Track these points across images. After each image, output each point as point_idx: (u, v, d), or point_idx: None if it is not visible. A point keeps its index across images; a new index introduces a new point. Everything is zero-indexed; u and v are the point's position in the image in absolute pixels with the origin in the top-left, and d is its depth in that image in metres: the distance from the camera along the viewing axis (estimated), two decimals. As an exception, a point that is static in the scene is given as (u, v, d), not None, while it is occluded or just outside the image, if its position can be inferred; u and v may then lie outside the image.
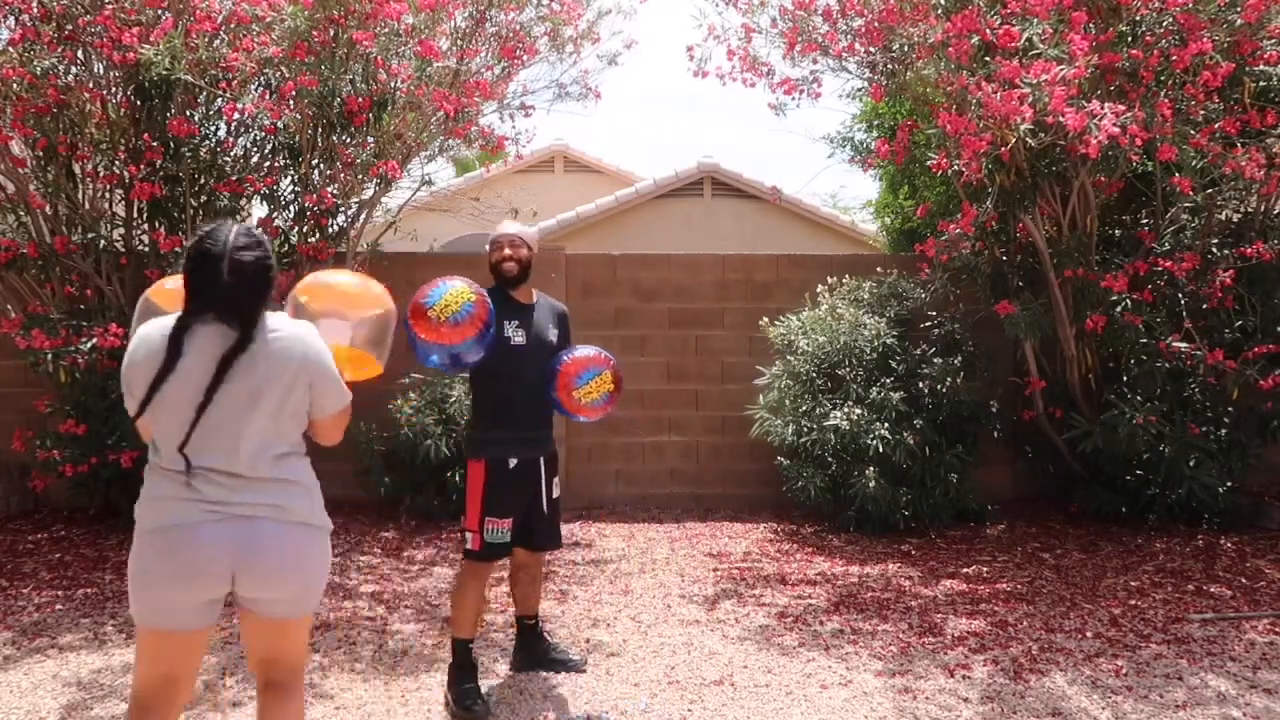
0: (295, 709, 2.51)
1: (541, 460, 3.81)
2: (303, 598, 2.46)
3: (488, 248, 3.94)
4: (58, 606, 4.89)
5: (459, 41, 6.42)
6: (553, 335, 3.90)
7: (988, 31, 5.32)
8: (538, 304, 3.94)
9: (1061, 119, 4.83)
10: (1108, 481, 6.42)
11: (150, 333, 2.38)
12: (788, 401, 6.30)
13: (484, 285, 3.71)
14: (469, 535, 3.69)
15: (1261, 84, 5.78)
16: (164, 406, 2.33)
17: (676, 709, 3.70)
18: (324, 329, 2.54)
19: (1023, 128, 5.01)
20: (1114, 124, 4.78)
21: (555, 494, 3.88)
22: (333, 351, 2.51)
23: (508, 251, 3.86)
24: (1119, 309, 5.98)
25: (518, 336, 3.75)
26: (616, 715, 3.66)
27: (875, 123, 9.14)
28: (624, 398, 7.45)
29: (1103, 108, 4.84)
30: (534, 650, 4.08)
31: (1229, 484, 6.13)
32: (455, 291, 3.41)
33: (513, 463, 3.70)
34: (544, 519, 3.85)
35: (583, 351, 3.77)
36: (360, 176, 6.13)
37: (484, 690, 3.70)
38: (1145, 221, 6.62)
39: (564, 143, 15.88)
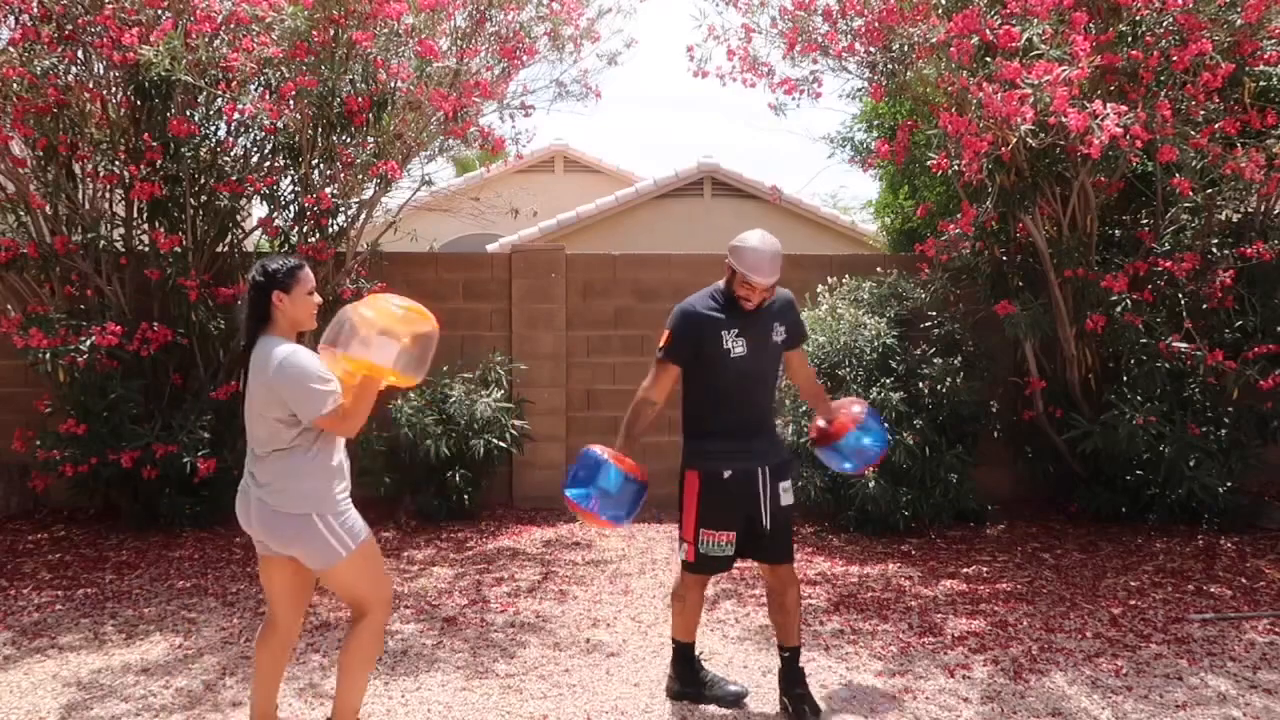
0: (353, 638, 3.13)
1: (761, 471, 3.55)
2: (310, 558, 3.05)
3: (733, 266, 3.49)
4: (58, 606, 4.89)
5: (459, 41, 6.42)
6: (778, 335, 3.61)
7: (988, 32, 5.32)
8: (768, 306, 3.60)
9: (1064, 119, 4.83)
10: (1108, 481, 6.42)
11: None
12: (788, 401, 6.30)
13: (707, 284, 3.64)
14: (684, 545, 3.62)
15: (1261, 84, 5.78)
16: None
17: (677, 709, 3.70)
18: (376, 347, 2.88)
19: (1023, 128, 5.01)
20: (1116, 124, 4.78)
21: (785, 500, 3.59)
22: (376, 369, 2.91)
23: (759, 295, 3.49)
24: (1119, 309, 5.98)
25: (737, 347, 3.50)
26: (616, 715, 3.66)
27: (875, 123, 9.14)
28: (624, 398, 7.48)
29: (1105, 108, 4.84)
30: (787, 682, 3.68)
31: (1229, 484, 6.13)
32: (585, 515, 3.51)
33: (727, 474, 3.53)
34: (775, 527, 3.56)
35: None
36: (360, 176, 6.13)
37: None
38: (1145, 221, 6.62)
39: (564, 143, 15.89)
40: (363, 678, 3.17)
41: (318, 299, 3.10)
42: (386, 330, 2.89)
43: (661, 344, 3.61)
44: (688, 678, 3.76)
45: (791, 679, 3.64)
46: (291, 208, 6.47)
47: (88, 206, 6.21)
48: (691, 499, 3.59)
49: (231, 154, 6.46)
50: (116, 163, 6.06)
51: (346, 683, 3.15)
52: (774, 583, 3.65)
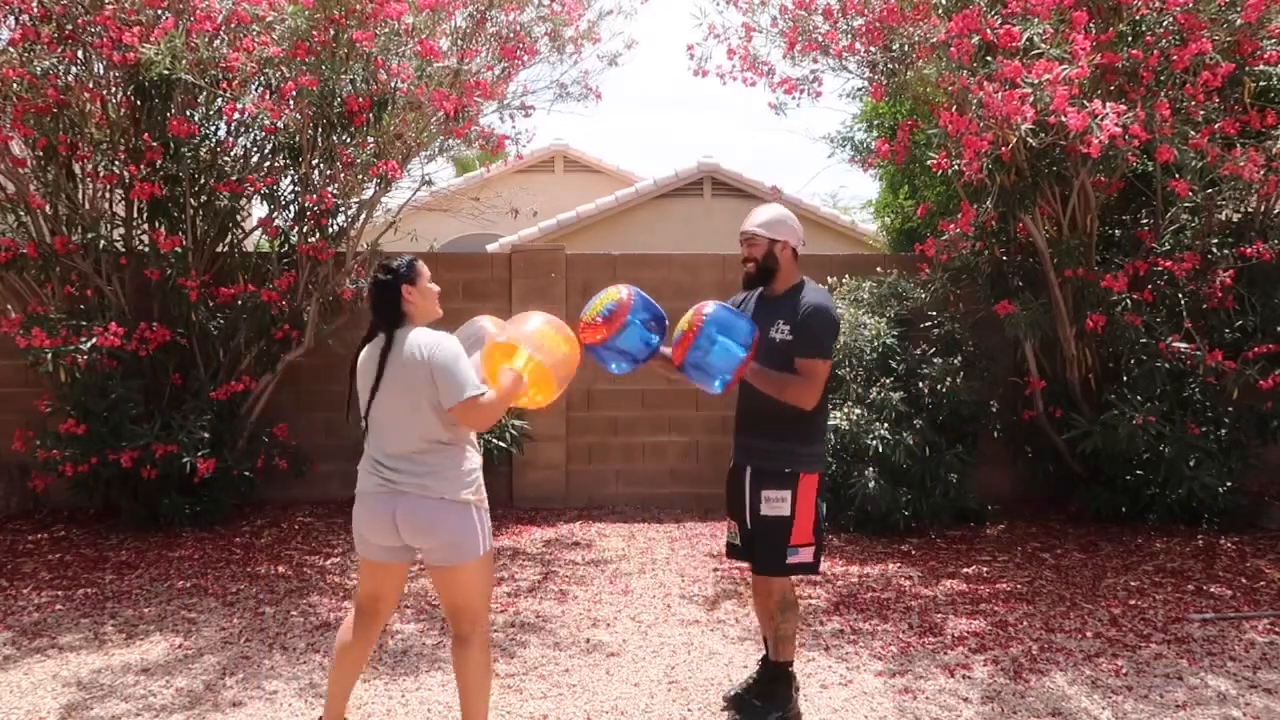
0: (468, 658, 3.07)
1: (749, 470, 3.45)
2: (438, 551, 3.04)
3: None
4: (58, 606, 4.89)
5: (459, 41, 6.41)
6: (779, 333, 3.40)
7: (988, 31, 5.32)
8: (784, 297, 3.47)
9: (1064, 119, 4.83)
10: (1108, 481, 6.42)
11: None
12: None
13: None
14: None
15: (1261, 84, 5.78)
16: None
17: (677, 709, 3.70)
18: (548, 352, 3.07)
19: (1024, 128, 5.01)
20: (1115, 124, 4.78)
21: (765, 510, 3.39)
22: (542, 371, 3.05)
23: (742, 252, 3.52)
24: (1119, 309, 5.98)
25: None
26: (616, 715, 3.66)
27: (875, 122, 9.14)
28: (624, 398, 7.54)
29: (1104, 107, 4.84)
30: (746, 688, 3.66)
31: (1229, 484, 6.13)
32: (604, 294, 3.36)
33: (731, 463, 3.57)
34: (751, 530, 3.47)
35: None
36: (360, 176, 6.13)
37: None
38: (1145, 221, 6.62)
39: (564, 143, 15.88)
40: (487, 696, 3.12)
41: (437, 286, 3.18)
42: (565, 340, 3.12)
43: None
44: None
45: (757, 684, 3.61)
46: (291, 208, 6.47)
47: (88, 206, 6.21)
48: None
49: (231, 154, 6.46)
50: (116, 163, 6.05)
51: (472, 708, 3.08)
52: (754, 584, 3.62)
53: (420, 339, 2.98)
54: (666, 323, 3.35)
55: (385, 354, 3.01)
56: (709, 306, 3.29)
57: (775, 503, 3.39)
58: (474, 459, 3.10)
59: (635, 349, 3.29)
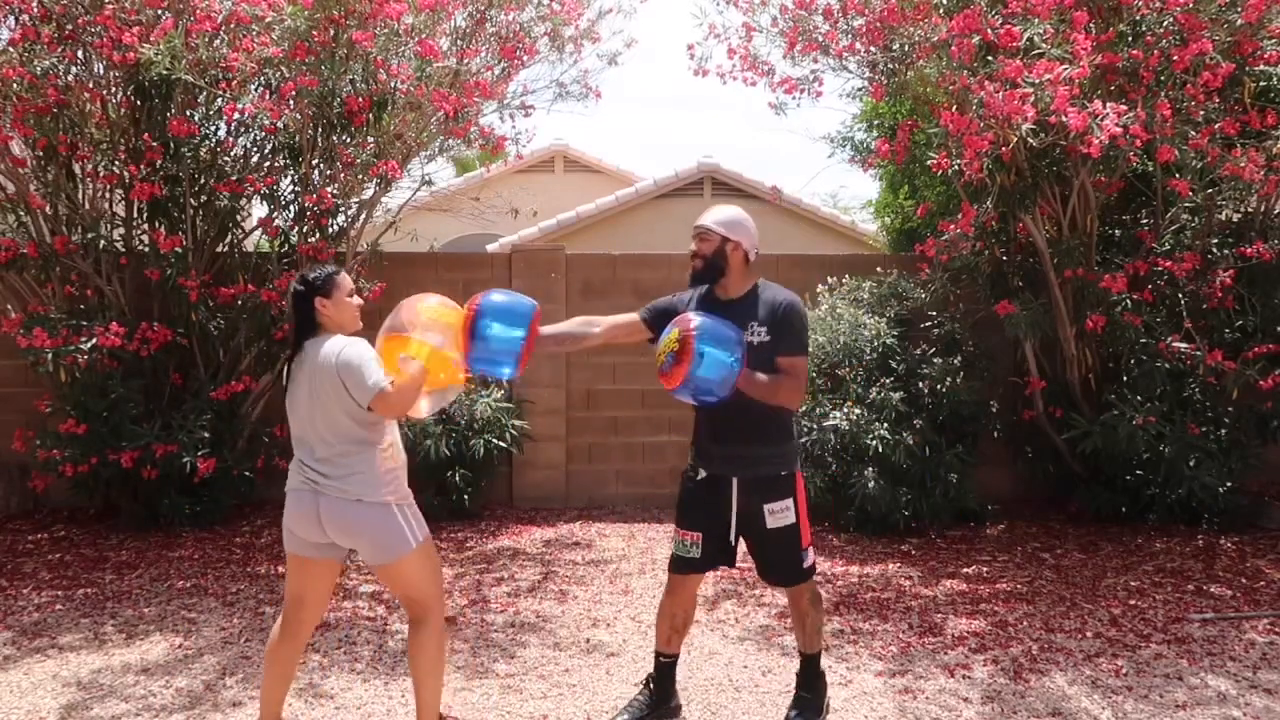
0: (420, 646, 3.17)
1: (736, 481, 3.34)
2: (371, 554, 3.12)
3: None
4: (58, 606, 4.89)
5: (459, 41, 6.42)
6: (755, 335, 3.29)
7: (989, 31, 5.32)
8: (744, 300, 3.38)
9: (1064, 119, 4.83)
10: (1108, 481, 6.42)
11: None
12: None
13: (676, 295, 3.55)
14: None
15: (1261, 84, 5.77)
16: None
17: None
18: (437, 334, 3.12)
19: (1024, 127, 5.01)
20: (1116, 124, 4.78)
21: (771, 523, 3.32)
22: (438, 354, 3.09)
23: (691, 247, 3.41)
24: (1119, 309, 5.97)
25: None
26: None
27: (875, 122, 9.14)
28: (624, 398, 7.53)
29: (1105, 107, 4.84)
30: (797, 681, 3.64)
31: (1229, 484, 6.13)
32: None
33: (701, 474, 3.42)
34: (757, 547, 3.42)
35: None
36: (360, 176, 6.13)
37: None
38: (1145, 221, 6.62)
39: (564, 143, 15.89)
40: (439, 680, 3.22)
41: (358, 300, 3.24)
42: (446, 320, 3.15)
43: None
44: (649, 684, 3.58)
45: (800, 679, 3.60)
46: (291, 208, 6.47)
47: (88, 206, 6.21)
48: (680, 496, 3.55)
49: (231, 154, 6.45)
50: (116, 163, 6.05)
51: (426, 691, 3.19)
52: (788, 597, 3.60)
53: (329, 346, 3.07)
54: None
55: (292, 362, 3.16)
56: (694, 318, 3.13)
57: (781, 513, 3.33)
58: (393, 459, 3.16)
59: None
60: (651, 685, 3.59)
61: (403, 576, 3.14)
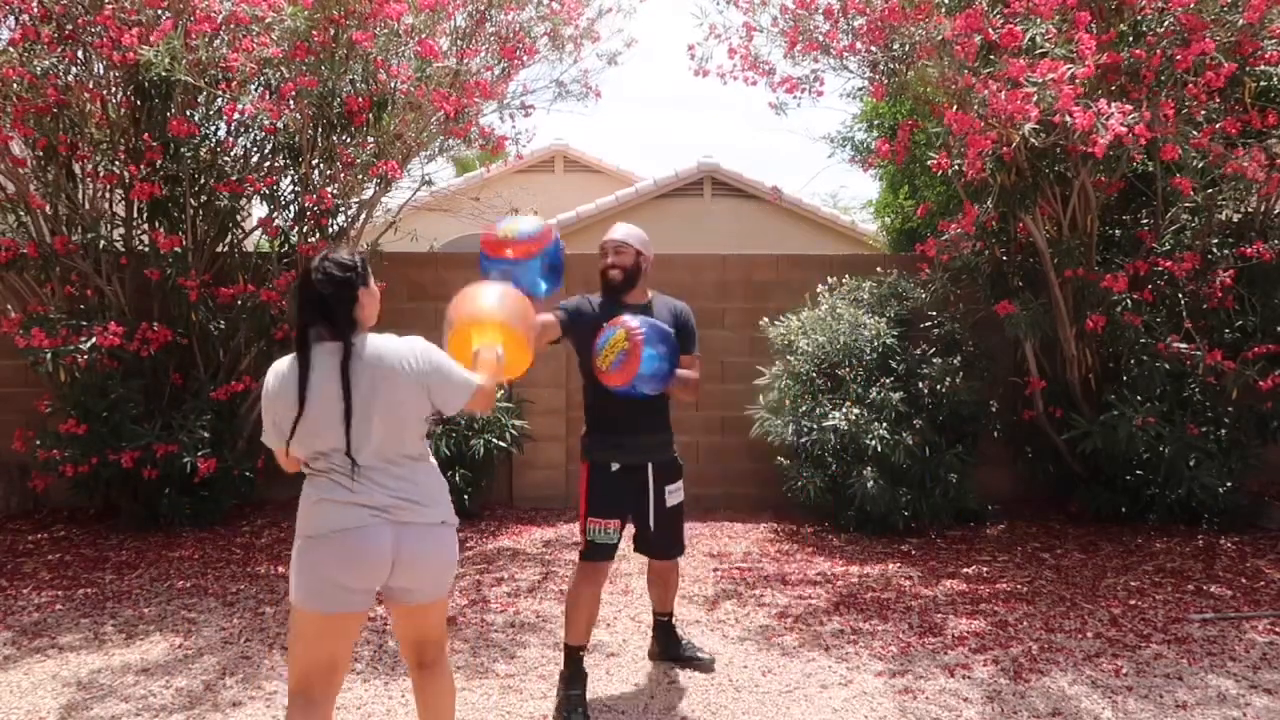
0: (443, 683, 2.83)
1: (650, 466, 3.71)
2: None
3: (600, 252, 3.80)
4: (58, 606, 4.89)
5: (459, 41, 6.41)
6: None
7: (991, 31, 5.32)
8: (652, 305, 3.78)
9: (1069, 118, 4.83)
10: (1108, 481, 6.42)
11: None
12: (788, 401, 6.30)
13: (594, 292, 3.77)
14: (581, 538, 3.69)
15: (1262, 84, 5.78)
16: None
17: (677, 709, 3.70)
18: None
19: (1027, 127, 5.01)
20: (1120, 123, 4.77)
21: (671, 501, 3.75)
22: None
23: (610, 260, 3.76)
24: (1119, 309, 5.98)
25: None
26: (616, 715, 3.66)
27: (876, 122, 9.15)
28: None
29: (1110, 107, 4.84)
30: (666, 645, 4.15)
31: (1229, 484, 6.13)
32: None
33: (615, 467, 3.66)
34: (658, 527, 3.75)
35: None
36: (360, 176, 6.13)
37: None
38: (1145, 221, 6.62)
39: (564, 143, 15.89)
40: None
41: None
42: (517, 298, 3.16)
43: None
44: (571, 687, 3.65)
45: (671, 643, 4.12)
46: (291, 208, 6.47)
47: (88, 206, 6.21)
48: (583, 490, 3.71)
49: (231, 154, 6.45)
50: (116, 163, 6.05)
51: None
52: (658, 569, 3.97)
53: (394, 346, 2.59)
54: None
55: (310, 364, 2.53)
56: (634, 321, 3.42)
57: (676, 493, 3.79)
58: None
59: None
60: (569, 683, 3.67)
61: (440, 611, 2.73)
